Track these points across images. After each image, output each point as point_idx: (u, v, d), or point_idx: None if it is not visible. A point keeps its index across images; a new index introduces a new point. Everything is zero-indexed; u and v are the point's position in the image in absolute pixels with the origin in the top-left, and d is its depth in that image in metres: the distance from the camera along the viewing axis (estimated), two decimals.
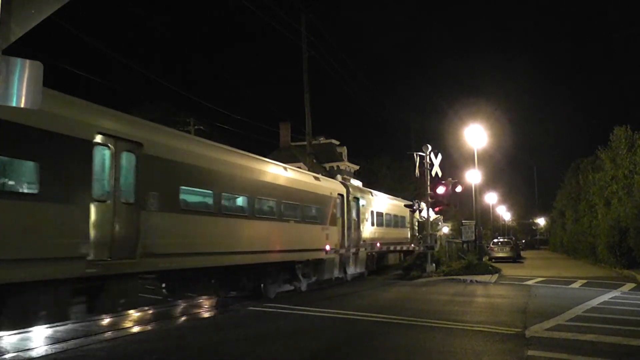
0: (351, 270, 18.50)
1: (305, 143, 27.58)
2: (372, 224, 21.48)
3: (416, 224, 28.47)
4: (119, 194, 8.75)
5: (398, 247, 25.09)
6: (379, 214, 22.60)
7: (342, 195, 18.15)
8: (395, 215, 25.24)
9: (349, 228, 18.38)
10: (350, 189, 19.25)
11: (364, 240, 19.81)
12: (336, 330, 9.44)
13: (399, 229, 25.76)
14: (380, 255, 22.64)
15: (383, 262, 23.33)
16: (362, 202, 20.11)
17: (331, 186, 17.76)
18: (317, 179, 16.87)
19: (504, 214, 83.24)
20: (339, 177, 19.86)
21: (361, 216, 19.85)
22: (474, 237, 31.51)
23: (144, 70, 38.62)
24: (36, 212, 7.22)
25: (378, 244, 21.63)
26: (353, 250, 18.71)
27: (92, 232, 8.08)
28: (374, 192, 23.75)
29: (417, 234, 27.89)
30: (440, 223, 27.86)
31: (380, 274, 22.06)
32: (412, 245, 27.18)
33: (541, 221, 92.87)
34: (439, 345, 7.79)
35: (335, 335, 8.90)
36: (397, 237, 25.06)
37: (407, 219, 27.34)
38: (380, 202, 23.41)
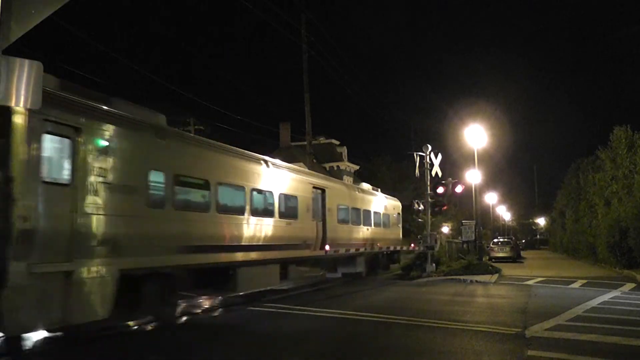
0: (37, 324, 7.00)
1: (305, 143, 27.59)
2: (169, 205, 9.58)
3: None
4: None
5: (269, 256, 12.89)
6: (192, 184, 10.64)
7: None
8: (264, 192, 13.13)
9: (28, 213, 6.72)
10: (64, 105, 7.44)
11: (100, 243, 7.80)
12: (336, 330, 9.44)
13: (270, 219, 13.21)
14: (211, 272, 10.96)
15: (232, 285, 11.61)
16: (106, 142, 8.10)
17: None
18: None
19: (504, 214, 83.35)
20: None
21: (110, 178, 8.11)
22: (474, 237, 31.61)
23: (143, 69, 38.59)
24: None
25: (189, 250, 9.86)
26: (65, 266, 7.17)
27: None
28: (188, 134, 12.45)
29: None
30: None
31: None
32: (321, 248, 16.08)
33: (541, 221, 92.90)
34: (439, 345, 7.79)
35: (335, 336, 8.89)
36: (272, 236, 13.14)
37: (312, 201, 15.74)
38: (203, 159, 10.92)
